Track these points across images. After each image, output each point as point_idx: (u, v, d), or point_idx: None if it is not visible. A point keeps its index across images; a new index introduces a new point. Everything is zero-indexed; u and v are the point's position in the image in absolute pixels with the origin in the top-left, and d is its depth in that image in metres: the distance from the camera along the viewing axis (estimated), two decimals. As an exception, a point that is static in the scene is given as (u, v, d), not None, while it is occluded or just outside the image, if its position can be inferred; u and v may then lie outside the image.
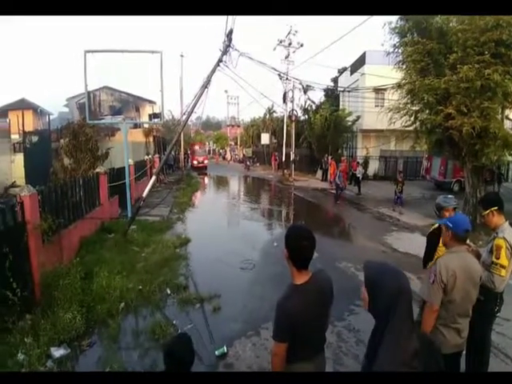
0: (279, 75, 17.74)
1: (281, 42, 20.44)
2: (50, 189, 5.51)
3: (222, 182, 22.60)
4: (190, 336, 2.01)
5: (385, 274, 1.37)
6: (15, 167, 11.07)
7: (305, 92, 25.53)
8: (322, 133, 19.89)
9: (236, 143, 47.82)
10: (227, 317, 4.38)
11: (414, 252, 6.74)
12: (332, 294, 1.82)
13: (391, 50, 9.23)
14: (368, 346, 1.53)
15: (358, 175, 15.36)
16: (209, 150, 46.58)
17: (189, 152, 30.76)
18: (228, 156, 45.08)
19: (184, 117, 21.19)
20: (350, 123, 20.03)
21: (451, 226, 2.23)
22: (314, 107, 23.73)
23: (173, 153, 24.24)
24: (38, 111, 26.28)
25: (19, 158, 10.94)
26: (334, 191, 13.91)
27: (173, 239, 7.36)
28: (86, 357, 3.63)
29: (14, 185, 9.07)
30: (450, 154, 9.44)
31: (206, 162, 28.67)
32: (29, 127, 13.53)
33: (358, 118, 19.72)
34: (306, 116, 23.77)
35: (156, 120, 20.86)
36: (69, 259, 5.27)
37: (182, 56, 24.47)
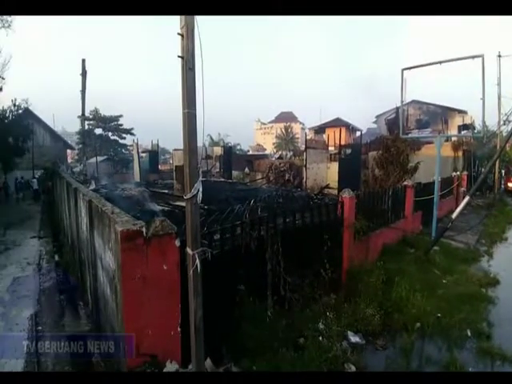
0: None
1: None
2: (364, 194, 6.36)
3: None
4: None
5: None
6: (329, 173, 14.17)
7: None
8: None
9: None
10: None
11: None
12: None
13: None
14: None
15: None
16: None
17: (503, 171, 23.63)
18: None
19: (504, 127, 16.58)
20: None
21: None
22: None
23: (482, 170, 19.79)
24: (349, 128, 31.62)
25: (334, 166, 14.02)
26: None
27: (478, 275, 6.22)
28: (376, 357, 3.87)
29: (328, 186, 11.33)
30: None
31: None
32: (343, 141, 16.73)
33: None
34: None
35: (465, 132, 17.79)
36: (372, 260, 5.81)
37: (499, 56, 19.13)
